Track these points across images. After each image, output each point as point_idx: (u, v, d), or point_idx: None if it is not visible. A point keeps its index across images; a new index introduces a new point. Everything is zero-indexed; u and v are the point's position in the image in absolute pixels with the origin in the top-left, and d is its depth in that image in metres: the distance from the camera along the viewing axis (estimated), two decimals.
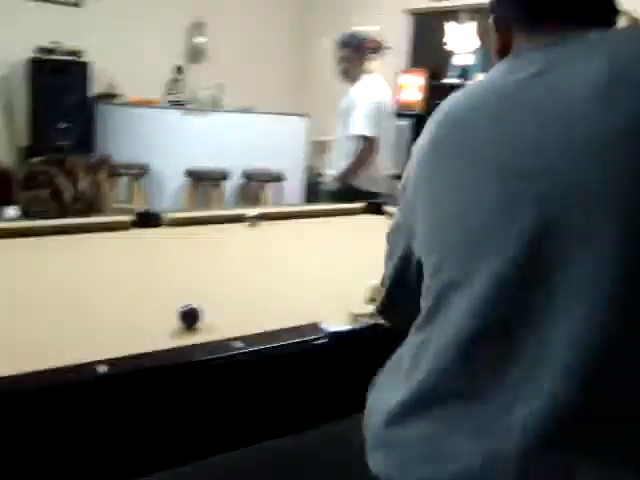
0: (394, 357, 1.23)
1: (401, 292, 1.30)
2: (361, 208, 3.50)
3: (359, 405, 2.00)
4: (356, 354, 1.76)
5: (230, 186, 6.15)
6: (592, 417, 0.86)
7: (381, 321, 1.75)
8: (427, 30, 6.42)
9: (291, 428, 1.80)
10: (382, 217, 3.38)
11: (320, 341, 1.61)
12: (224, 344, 1.51)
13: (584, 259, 0.86)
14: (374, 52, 4.33)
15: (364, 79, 4.17)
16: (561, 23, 1.03)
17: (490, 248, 0.94)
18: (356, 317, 1.75)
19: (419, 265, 1.13)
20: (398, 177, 6.04)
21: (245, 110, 6.03)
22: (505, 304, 0.92)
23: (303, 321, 1.67)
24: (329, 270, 2.35)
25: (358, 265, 2.43)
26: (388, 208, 3.44)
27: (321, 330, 1.63)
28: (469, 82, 5.47)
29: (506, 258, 0.92)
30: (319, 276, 2.28)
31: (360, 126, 4.14)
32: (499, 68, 1.09)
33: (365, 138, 4.16)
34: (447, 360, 0.98)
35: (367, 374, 1.85)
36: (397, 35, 6.71)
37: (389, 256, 1.34)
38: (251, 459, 2.44)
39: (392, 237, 1.33)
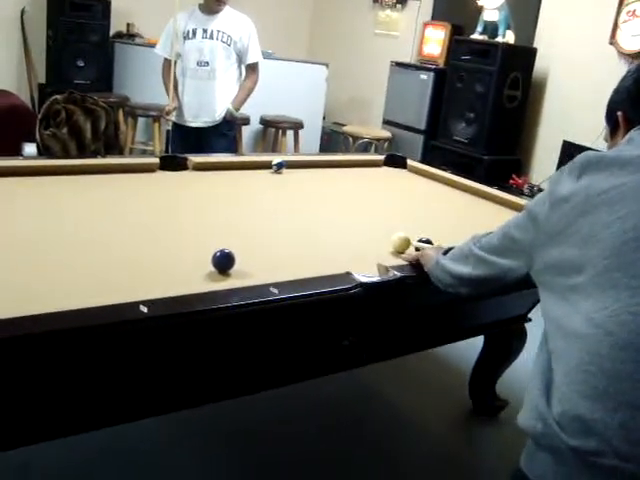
0: None
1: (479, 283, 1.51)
2: (382, 160, 3.50)
3: (387, 353, 2.07)
4: (386, 304, 1.81)
5: (249, 131, 6.13)
6: None
7: (408, 274, 1.80)
8: None
9: (317, 372, 1.86)
10: (403, 170, 3.39)
11: (352, 291, 1.64)
12: (260, 289, 1.55)
13: None
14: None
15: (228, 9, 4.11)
16: None
17: None
18: (386, 269, 1.78)
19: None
20: (411, 129, 6.04)
21: (265, 56, 5.98)
22: None
23: (334, 270, 1.71)
24: (358, 221, 2.39)
25: (386, 217, 2.46)
26: (411, 162, 3.45)
27: (353, 280, 1.67)
28: (495, 39, 5.40)
29: None
30: (348, 226, 2.31)
31: (259, 54, 4.18)
32: None
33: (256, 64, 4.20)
34: None
35: (394, 323, 1.91)
36: None
37: (500, 250, 1.44)
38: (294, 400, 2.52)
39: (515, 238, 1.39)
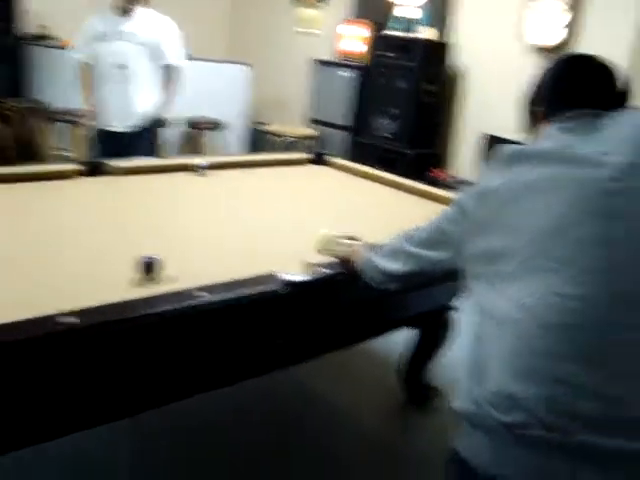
0: None
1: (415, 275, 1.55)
2: (307, 159, 3.53)
3: (314, 350, 2.09)
4: (315, 301, 1.83)
5: (171, 134, 6.06)
6: None
7: (335, 271, 1.83)
8: None
9: (252, 373, 1.87)
10: (329, 167, 3.43)
11: (280, 290, 1.66)
12: (187, 294, 1.55)
13: None
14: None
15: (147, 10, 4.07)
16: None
17: None
18: (311, 266, 1.81)
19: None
20: (335, 126, 6.09)
21: (186, 57, 5.94)
22: None
23: (262, 270, 1.72)
24: (285, 219, 2.41)
25: (312, 215, 2.49)
26: (334, 159, 3.49)
27: (279, 279, 1.69)
28: (414, 35, 5.51)
29: None
30: (273, 225, 2.33)
31: (181, 57, 4.17)
32: None
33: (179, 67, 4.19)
34: None
35: (325, 319, 1.94)
36: None
37: (431, 243, 1.49)
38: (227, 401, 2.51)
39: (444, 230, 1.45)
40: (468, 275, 1.34)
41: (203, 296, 1.54)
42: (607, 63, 1.42)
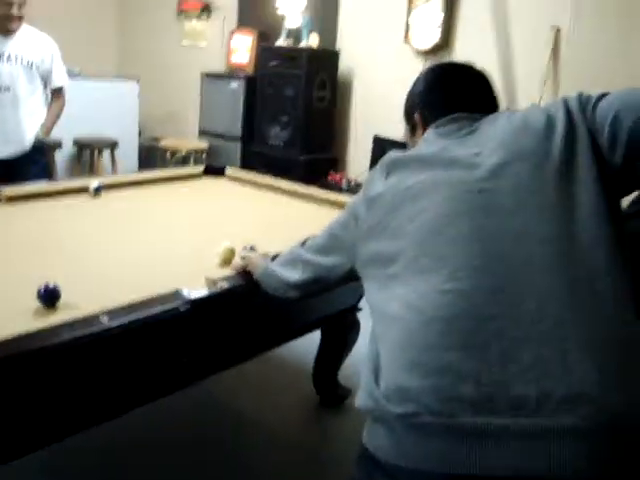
0: None
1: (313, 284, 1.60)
2: (201, 172, 3.53)
3: (223, 363, 2.11)
4: (220, 315, 1.85)
5: (62, 155, 5.89)
6: None
7: (236, 283, 1.86)
8: None
9: (161, 393, 1.87)
10: (223, 179, 3.45)
11: (183, 307, 1.68)
12: (90, 320, 1.54)
13: None
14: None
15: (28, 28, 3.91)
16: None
17: None
18: (214, 281, 1.83)
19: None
20: (227, 137, 6.08)
21: (72, 75, 5.78)
22: None
23: (164, 289, 1.73)
24: (184, 235, 2.41)
25: (210, 228, 2.50)
26: (230, 170, 3.51)
27: (183, 297, 1.70)
28: (300, 44, 5.59)
29: None
30: (174, 242, 2.33)
31: (64, 76, 4.08)
32: None
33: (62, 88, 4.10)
34: None
35: (232, 331, 1.95)
36: None
37: (326, 249, 1.55)
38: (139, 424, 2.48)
39: (338, 236, 1.52)
40: (363, 277, 1.40)
41: (105, 321, 1.54)
42: (480, 71, 1.53)
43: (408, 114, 1.57)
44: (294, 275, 1.63)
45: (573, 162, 1.19)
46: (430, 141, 1.41)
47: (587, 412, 1.01)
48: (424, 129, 1.49)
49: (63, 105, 4.09)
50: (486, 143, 1.29)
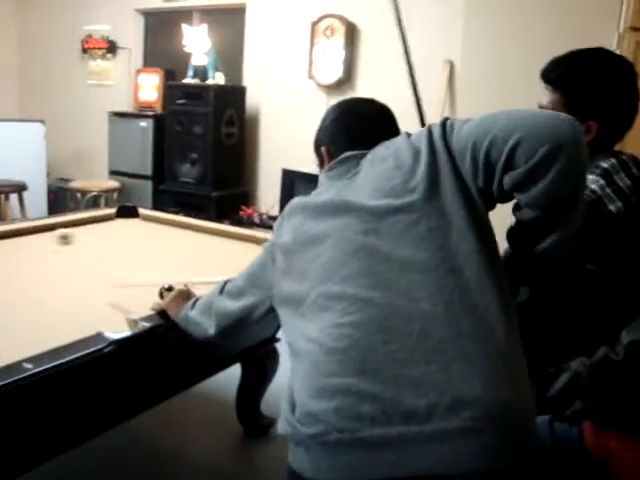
0: None
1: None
2: (114, 213, 3.54)
3: (154, 399, 2.14)
4: (143, 354, 1.90)
5: None
6: None
7: (157, 322, 1.92)
8: (162, 30, 6.50)
9: (86, 435, 1.89)
10: (137, 219, 3.47)
11: (106, 349, 1.72)
12: (14, 367, 1.56)
13: None
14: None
15: None
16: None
17: None
18: (135, 322, 1.88)
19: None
20: (138, 176, 6.07)
21: None
22: None
23: (86, 333, 1.77)
24: (102, 278, 2.43)
25: (127, 270, 2.53)
26: (143, 210, 3.54)
27: (105, 338, 1.74)
28: (206, 82, 5.68)
29: None
30: (94, 285, 2.35)
31: None
32: None
33: None
34: None
35: (155, 369, 2.00)
36: (131, 35, 6.72)
37: (245, 289, 1.64)
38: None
39: (258, 276, 1.61)
40: (280, 316, 1.51)
41: (30, 367, 1.56)
42: (382, 105, 1.66)
43: (317, 147, 1.67)
44: (211, 324, 1.72)
45: (438, 190, 1.31)
46: (324, 185, 1.54)
47: (472, 413, 1.14)
48: (330, 162, 1.60)
49: None
50: (367, 185, 1.41)
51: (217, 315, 1.71)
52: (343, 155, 1.54)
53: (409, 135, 1.45)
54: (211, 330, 1.72)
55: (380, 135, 1.55)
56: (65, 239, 2.88)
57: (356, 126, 1.62)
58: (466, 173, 1.30)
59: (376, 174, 1.41)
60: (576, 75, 1.66)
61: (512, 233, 1.41)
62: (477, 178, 1.29)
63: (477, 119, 1.32)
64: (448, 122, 1.37)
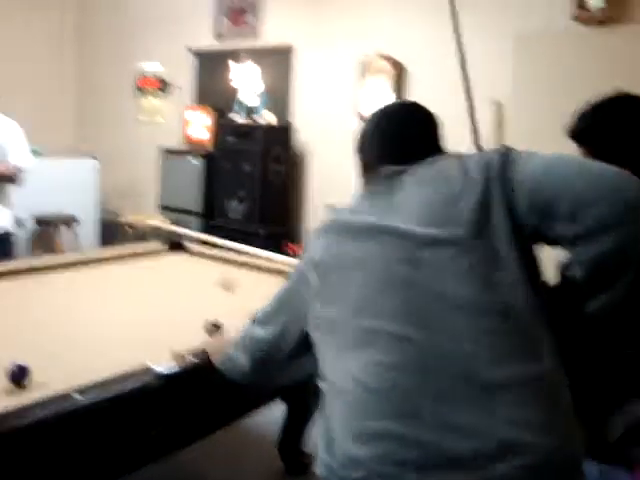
0: None
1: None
2: (163, 248, 3.60)
3: (191, 437, 2.15)
4: (188, 388, 1.91)
5: (22, 233, 5.91)
6: None
7: (203, 358, 1.92)
8: (212, 69, 6.65)
9: (131, 467, 1.91)
10: (185, 255, 3.53)
11: (154, 383, 1.74)
12: (63, 398, 1.59)
13: None
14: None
15: None
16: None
17: None
18: (182, 357, 1.89)
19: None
20: (189, 212, 6.18)
21: (34, 154, 5.88)
22: None
23: (134, 366, 1.79)
24: (151, 312, 2.47)
25: (177, 304, 2.57)
26: (190, 245, 3.60)
27: (154, 372, 1.76)
28: (255, 120, 5.79)
29: None
30: (143, 319, 2.39)
31: (24, 157, 4.09)
32: None
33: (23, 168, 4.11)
34: None
35: (200, 403, 2.00)
36: (182, 74, 6.89)
37: (276, 312, 1.56)
38: None
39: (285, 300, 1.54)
40: (314, 342, 1.42)
41: (76, 398, 1.59)
42: (425, 110, 1.54)
43: (357, 153, 1.59)
44: (247, 359, 1.62)
45: (488, 226, 1.24)
46: (362, 204, 1.45)
47: (520, 460, 1.12)
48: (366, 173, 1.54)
49: (15, 182, 4.07)
50: (409, 209, 1.33)
51: (250, 346, 1.61)
52: (383, 171, 1.45)
53: (460, 157, 1.38)
54: (246, 366, 1.62)
55: (415, 147, 1.47)
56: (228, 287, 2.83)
57: (389, 140, 1.52)
58: (522, 213, 1.24)
59: (421, 198, 1.34)
60: (598, 130, 1.64)
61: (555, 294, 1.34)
62: (532, 219, 1.23)
63: (543, 161, 1.27)
64: (510, 155, 1.29)
